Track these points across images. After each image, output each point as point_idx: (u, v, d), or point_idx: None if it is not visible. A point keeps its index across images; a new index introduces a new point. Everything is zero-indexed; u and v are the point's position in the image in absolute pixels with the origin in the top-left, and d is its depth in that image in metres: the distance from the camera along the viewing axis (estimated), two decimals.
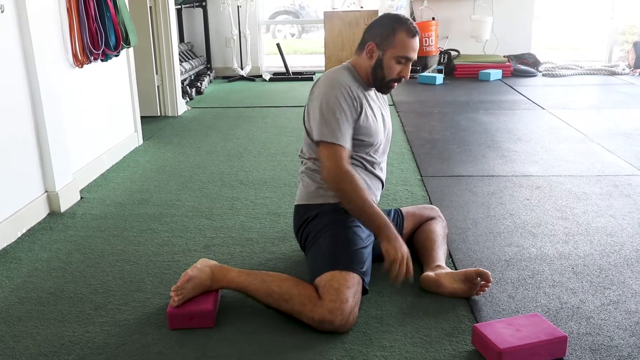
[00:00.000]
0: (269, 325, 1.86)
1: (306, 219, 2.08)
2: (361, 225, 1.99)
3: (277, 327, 1.84)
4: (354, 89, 2.02)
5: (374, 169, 2.14)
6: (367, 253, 1.97)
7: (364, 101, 2.04)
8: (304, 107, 2.15)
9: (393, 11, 10.38)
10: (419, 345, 1.74)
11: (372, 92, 2.14)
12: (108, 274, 2.23)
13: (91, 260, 2.35)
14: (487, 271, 1.93)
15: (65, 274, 2.24)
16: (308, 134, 2.09)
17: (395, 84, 2.07)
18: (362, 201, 1.91)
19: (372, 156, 2.11)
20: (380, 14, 6.65)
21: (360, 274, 1.86)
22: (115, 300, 2.03)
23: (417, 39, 2.01)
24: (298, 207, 2.15)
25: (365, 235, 1.99)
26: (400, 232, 2.26)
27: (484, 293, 2.01)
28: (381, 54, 2.01)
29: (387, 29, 2.00)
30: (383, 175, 2.20)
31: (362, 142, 2.05)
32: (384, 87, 2.09)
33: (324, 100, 1.98)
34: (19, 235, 2.60)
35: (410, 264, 1.88)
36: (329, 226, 2.00)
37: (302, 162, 2.19)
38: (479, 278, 1.93)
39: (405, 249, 1.88)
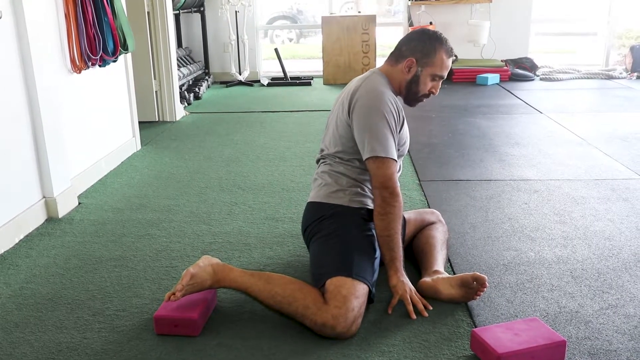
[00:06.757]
0: (267, 331, 1.85)
1: (321, 216, 2.07)
2: (375, 235, 2.00)
3: (275, 333, 1.84)
4: (396, 100, 2.06)
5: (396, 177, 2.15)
6: (378, 264, 1.99)
7: (402, 112, 2.09)
8: (334, 110, 2.15)
9: (391, 15, 10.41)
10: (418, 350, 1.74)
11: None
12: (106, 280, 2.22)
13: (89, 266, 2.35)
14: (482, 275, 1.93)
15: (63, 280, 2.24)
16: (342, 139, 2.08)
17: (425, 99, 2.13)
18: (396, 232, 1.96)
19: (398, 164, 2.14)
20: (377, 19, 6.71)
21: (370, 285, 1.87)
22: (113, 306, 2.03)
23: (451, 59, 2.08)
24: (313, 204, 2.14)
25: (378, 246, 2.01)
26: (404, 236, 2.27)
27: (483, 297, 2.01)
28: (419, 70, 2.06)
29: (429, 47, 2.04)
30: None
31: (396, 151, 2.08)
32: (414, 100, 2.14)
33: (372, 115, 1.98)
34: (17, 241, 2.59)
35: (416, 297, 1.96)
36: (345, 229, 2.00)
37: (323, 163, 2.17)
38: (475, 283, 1.93)
39: (408, 285, 1.97)
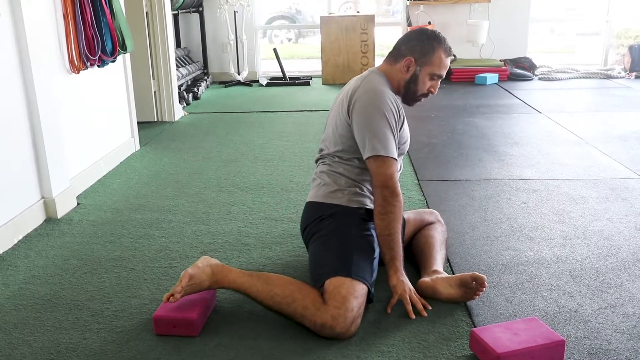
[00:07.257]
0: (266, 331, 1.85)
1: (320, 216, 2.07)
2: (374, 235, 2.00)
3: (274, 333, 1.84)
4: (396, 99, 2.07)
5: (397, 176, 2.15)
6: (377, 264, 1.99)
7: (402, 111, 2.09)
8: (333, 110, 2.16)
9: (390, 15, 10.42)
10: (417, 350, 1.74)
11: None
12: (105, 281, 2.22)
13: (88, 266, 2.35)
14: (482, 275, 1.93)
15: (62, 280, 2.23)
16: (342, 138, 2.08)
17: (424, 98, 2.14)
18: (396, 231, 1.96)
19: (398, 163, 2.14)
20: (376, 19, 6.71)
21: (369, 285, 1.87)
22: (112, 307, 2.02)
23: (450, 58, 2.09)
24: (312, 204, 2.14)
25: (376, 246, 2.01)
26: (403, 236, 2.26)
27: (482, 297, 2.01)
28: (418, 70, 2.07)
29: (427, 47, 2.05)
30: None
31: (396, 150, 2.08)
32: (413, 100, 2.14)
33: (373, 114, 1.99)
34: (16, 241, 2.59)
35: (415, 296, 1.95)
36: (344, 228, 2.00)
37: (322, 163, 2.17)
38: (474, 282, 1.93)
39: (408, 284, 1.96)
